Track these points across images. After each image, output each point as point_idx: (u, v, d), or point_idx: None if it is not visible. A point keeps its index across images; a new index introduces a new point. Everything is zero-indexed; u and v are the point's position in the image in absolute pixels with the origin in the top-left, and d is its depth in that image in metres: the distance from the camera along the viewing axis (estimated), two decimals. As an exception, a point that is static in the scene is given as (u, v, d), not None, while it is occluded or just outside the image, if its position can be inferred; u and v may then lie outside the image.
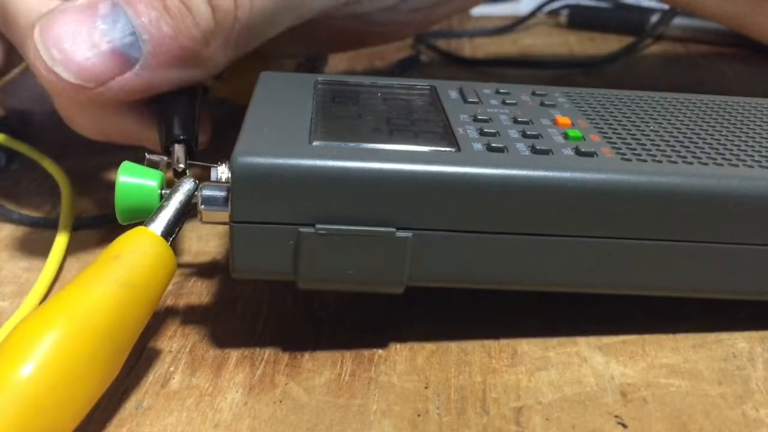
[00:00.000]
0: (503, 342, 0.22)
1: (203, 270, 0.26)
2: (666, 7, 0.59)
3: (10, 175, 0.33)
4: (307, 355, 0.21)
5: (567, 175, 0.19)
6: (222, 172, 0.21)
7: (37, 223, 0.29)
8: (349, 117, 0.22)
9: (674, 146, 0.21)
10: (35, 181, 0.32)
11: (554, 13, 0.66)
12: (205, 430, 0.18)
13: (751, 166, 0.21)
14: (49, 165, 0.32)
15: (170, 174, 0.23)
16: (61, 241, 0.26)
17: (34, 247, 0.27)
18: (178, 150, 0.24)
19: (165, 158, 0.24)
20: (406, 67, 0.50)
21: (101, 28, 0.22)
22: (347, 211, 0.19)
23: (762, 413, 0.19)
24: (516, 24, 0.63)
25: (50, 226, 0.28)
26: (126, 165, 0.22)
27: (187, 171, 0.23)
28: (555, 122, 0.23)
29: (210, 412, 0.19)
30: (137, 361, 0.21)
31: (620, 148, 0.21)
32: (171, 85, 0.25)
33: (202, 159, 0.24)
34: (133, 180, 0.22)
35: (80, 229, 0.28)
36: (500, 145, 0.20)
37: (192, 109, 0.25)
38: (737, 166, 0.21)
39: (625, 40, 0.57)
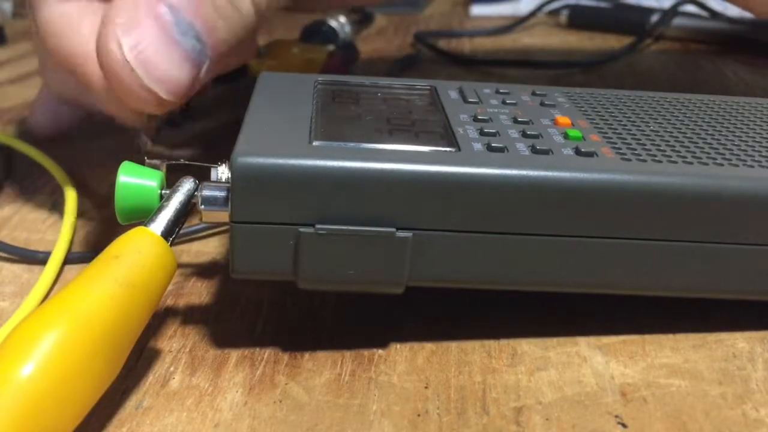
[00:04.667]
0: (503, 342, 0.22)
1: (203, 270, 0.26)
2: (666, 7, 0.59)
3: (10, 175, 0.33)
4: (307, 355, 0.21)
5: (567, 175, 0.19)
6: (222, 172, 0.21)
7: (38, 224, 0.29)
8: (349, 117, 0.22)
9: (674, 146, 0.21)
10: (35, 181, 0.32)
11: (554, 13, 0.66)
12: (205, 430, 0.18)
13: (751, 166, 0.21)
14: (49, 165, 0.32)
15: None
16: (62, 241, 0.26)
17: (35, 248, 0.27)
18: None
19: (165, 160, 0.24)
20: (406, 67, 0.50)
21: (179, 39, 0.23)
22: (347, 211, 0.19)
23: (762, 413, 0.19)
24: (516, 24, 0.63)
25: (51, 226, 0.29)
26: (126, 165, 0.22)
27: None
28: (555, 122, 0.23)
29: (210, 412, 0.19)
30: (137, 361, 0.21)
31: (620, 148, 0.21)
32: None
33: (202, 159, 0.24)
34: (133, 180, 0.22)
35: (81, 229, 0.28)
36: (500, 145, 0.20)
37: None
38: (737, 166, 0.21)
39: (625, 40, 0.57)
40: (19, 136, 0.35)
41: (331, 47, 0.39)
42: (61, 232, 0.27)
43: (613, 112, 0.24)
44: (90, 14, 0.25)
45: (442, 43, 0.57)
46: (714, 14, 0.58)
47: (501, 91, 0.25)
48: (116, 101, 0.26)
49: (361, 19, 0.47)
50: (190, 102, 0.26)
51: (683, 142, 0.22)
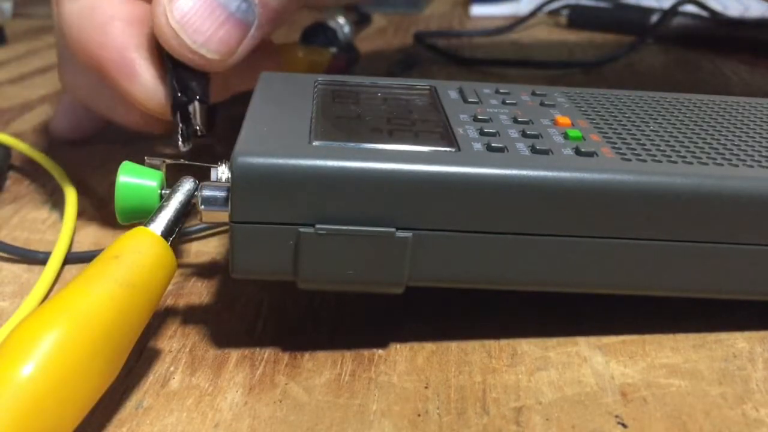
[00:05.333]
0: (503, 342, 0.22)
1: (203, 270, 0.26)
2: (666, 7, 0.59)
3: (10, 175, 0.33)
4: (307, 355, 0.21)
5: (567, 175, 0.19)
6: (222, 172, 0.21)
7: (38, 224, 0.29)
8: (349, 117, 0.22)
9: (674, 146, 0.21)
10: (35, 181, 0.32)
11: (554, 13, 0.66)
12: (205, 430, 0.18)
13: (751, 166, 0.21)
14: (49, 165, 0.32)
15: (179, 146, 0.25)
16: (62, 241, 0.26)
17: (35, 248, 0.27)
18: (200, 110, 0.25)
19: (165, 160, 0.24)
20: (406, 67, 0.50)
21: (222, 2, 0.24)
22: (347, 211, 0.19)
23: (762, 413, 0.19)
24: (516, 24, 0.63)
25: (51, 226, 0.29)
26: (126, 165, 0.22)
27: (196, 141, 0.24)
28: (555, 122, 0.23)
29: (210, 412, 0.19)
30: (137, 361, 0.21)
31: (620, 148, 0.21)
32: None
33: (202, 159, 0.24)
34: (133, 180, 0.22)
35: (81, 229, 0.28)
36: (500, 145, 0.20)
37: (204, 76, 0.26)
38: (737, 166, 0.21)
39: (625, 40, 0.57)
40: (20, 137, 0.35)
41: (333, 49, 0.39)
42: (61, 232, 0.27)
43: (613, 112, 0.24)
44: (106, 3, 0.25)
45: (442, 43, 0.57)
46: (714, 14, 0.58)
47: (501, 91, 0.25)
48: (127, 104, 0.26)
49: (359, 20, 0.48)
50: (213, 121, 0.26)
51: (683, 142, 0.22)
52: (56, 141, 0.35)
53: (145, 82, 0.25)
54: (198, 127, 0.25)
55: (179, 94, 0.25)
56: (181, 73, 0.25)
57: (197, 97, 0.25)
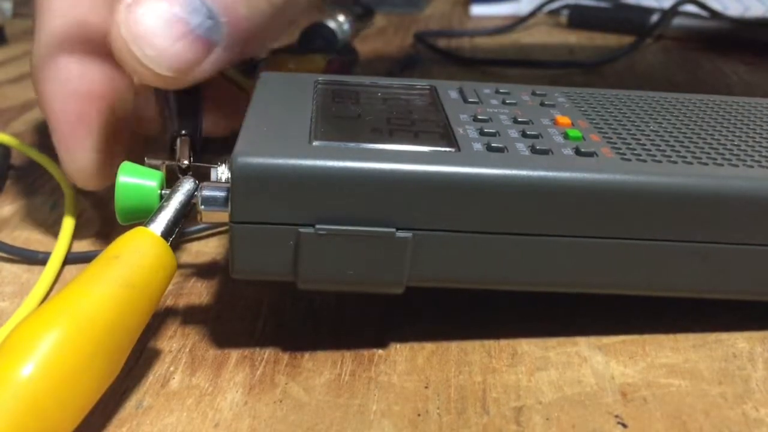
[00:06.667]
0: (503, 342, 0.22)
1: (203, 270, 0.26)
2: (666, 7, 0.59)
3: (10, 175, 0.33)
4: (307, 355, 0.21)
5: (567, 175, 0.19)
6: (222, 172, 0.21)
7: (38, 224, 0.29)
8: (349, 117, 0.22)
9: (674, 146, 0.21)
10: (35, 181, 0.32)
11: (554, 13, 0.66)
12: (205, 430, 0.18)
13: (751, 166, 0.21)
14: (49, 165, 0.32)
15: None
16: (62, 241, 0.26)
17: (35, 248, 0.27)
18: (182, 145, 0.24)
19: (165, 160, 0.24)
20: (406, 67, 0.50)
21: (183, 17, 0.23)
22: (347, 211, 0.19)
23: (762, 413, 0.19)
24: (516, 24, 0.63)
25: (51, 226, 0.29)
26: (126, 165, 0.22)
27: (190, 169, 0.24)
28: (555, 122, 0.23)
29: (210, 411, 0.19)
30: (137, 361, 0.21)
31: (620, 148, 0.21)
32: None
33: (202, 159, 0.24)
34: (133, 180, 0.22)
35: (81, 229, 0.28)
36: (500, 145, 0.20)
37: (197, 109, 0.26)
38: (737, 166, 0.21)
39: (625, 40, 0.57)
40: (20, 137, 0.35)
41: (329, 56, 0.39)
42: (61, 232, 0.27)
43: (613, 112, 0.24)
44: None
45: (442, 43, 0.57)
46: (714, 14, 0.58)
47: (501, 91, 0.25)
48: (67, 154, 0.26)
49: (362, 14, 0.47)
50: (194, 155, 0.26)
51: (683, 142, 0.22)
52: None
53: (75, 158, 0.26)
54: (178, 161, 0.24)
55: (173, 127, 0.25)
56: (175, 106, 0.25)
57: (182, 132, 0.24)
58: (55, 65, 0.25)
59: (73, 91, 0.25)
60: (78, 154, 0.25)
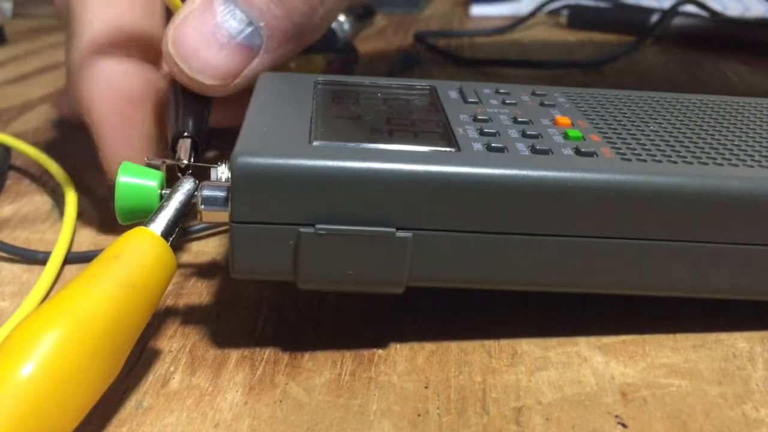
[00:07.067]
0: (503, 342, 0.22)
1: (203, 270, 0.26)
2: (666, 7, 0.59)
3: (10, 175, 0.33)
4: (307, 355, 0.21)
5: (567, 175, 0.19)
6: (222, 172, 0.21)
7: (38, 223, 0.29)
8: (349, 117, 0.22)
9: (674, 146, 0.21)
10: (35, 181, 0.32)
11: (554, 13, 0.66)
12: (205, 430, 0.18)
13: (751, 166, 0.21)
14: (50, 165, 0.32)
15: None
16: (62, 241, 0.26)
17: (35, 248, 0.27)
18: (184, 145, 0.24)
19: (165, 160, 0.24)
20: (406, 67, 0.50)
21: (223, 27, 0.24)
22: (347, 211, 0.19)
23: (762, 413, 0.19)
24: (516, 24, 0.63)
25: (51, 226, 0.29)
26: (126, 165, 0.22)
27: (190, 169, 0.23)
28: (555, 122, 0.23)
29: (210, 412, 0.19)
30: (137, 361, 0.21)
31: (620, 148, 0.21)
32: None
33: (202, 159, 0.24)
34: (133, 180, 0.22)
35: (81, 229, 0.28)
36: (500, 145, 0.20)
37: (203, 109, 0.26)
38: (737, 166, 0.21)
39: (625, 40, 0.57)
40: (20, 137, 0.35)
41: (330, 56, 0.39)
42: (61, 232, 0.27)
43: (613, 112, 0.24)
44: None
45: (442, 43, 0.57)
46: (714, 14, 0.58)
47: (501, 91, 0.25)
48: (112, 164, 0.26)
49: (362, 14, 0.47)
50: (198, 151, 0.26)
51: (683, 142, 0.22)
52: (67, 121, 0.35)
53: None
54: (179, 161, 0.24)
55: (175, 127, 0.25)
56: (181, 106, 0.25)
57: (184, 133, 0.24)
58: (97, 68, 0.26)
59: (117, 92, 0.26)
60: (122, 153, 0.26)
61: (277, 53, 0.25)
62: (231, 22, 0.24)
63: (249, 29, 0.24)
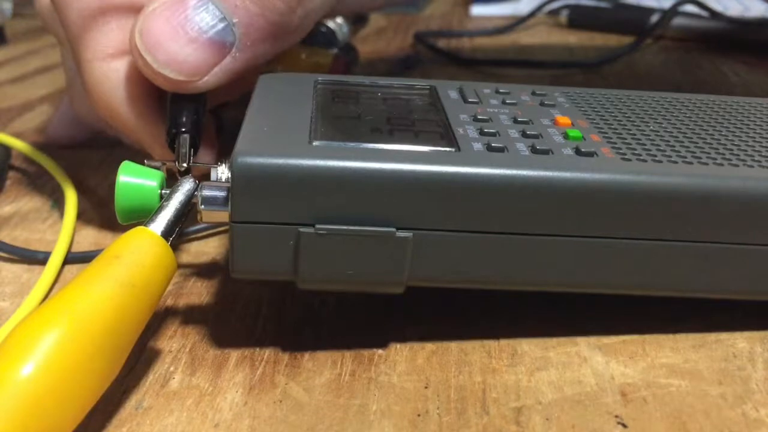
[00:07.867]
0: (503, 342, 0.22)
1: (203, 270, 0.26)
2: (666, 7, 0.59)
3: (10, 175, 0.33)
4: (307, 355, 0.21)
5: (567, 175, 0.19)
6: (222, 172, 0.21)
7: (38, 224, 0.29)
8: (349, 117, 0.22)
9: (674, 146, 0.21)
10: (35, 181, 0.32)
11: (554, 13, 0.66)
12: (205, 430, 0.18)
13: (751, 166, 0.21)
14: (49, 165, 0.32)
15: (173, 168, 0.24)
16: (62, 241, 0.26)
17: (35, 248, 0.27)
18: (184, 142, 0.24)
19: (165, 161, 0.24)
20: (406, 67, 0.50)
21: (193, 21, 0.23)
22: (347, 211, 0.19)
23: (762, 413, 0.19)
24: (516, 24, 0.63)
25: (51, 226, 0.29)
26: (126, 165, 0.22)
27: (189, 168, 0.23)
28: (555, 122, 0.23)
29: (210, 412, 0.19)
30: (137, 361, 0.21)
31: (620, 148, 0.21)
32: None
33: (202, 159, 0.24)
34: (133, 180, 0.22)
35: (81, 229, 0.28)
36: (500, 145, 0.20)
37: (199, 110, 0.26)
38: (737, 166, 0.21)
39: (625, 40, 0.57)
40: (20, 137, 0.35)
41: (335, 50, 0.39)
42: (61, 232, 0.27)
43: (613, 112, 0.24)
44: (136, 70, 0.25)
45: (442, 43, 0.57)
46: (714, 14, 0.58)
47: (501, 91, 0.25)
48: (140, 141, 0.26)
49: (356, 20, 0.48)
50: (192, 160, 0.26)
51: (683, 142, 0.22)
52: (52, 145, 0.35)
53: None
54: (178, 161, 0.24)
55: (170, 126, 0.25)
56: (175, 104, 0.25)
57: (183, 129, 0.24)
58: (109, 68, 0.25)
59: (133, 89, 0.25)
60: (150, 145, 0.26)
61: (251, 52, 0.24)
62: (203, 15, 0.23)
63: (221, 25, 0.23)
